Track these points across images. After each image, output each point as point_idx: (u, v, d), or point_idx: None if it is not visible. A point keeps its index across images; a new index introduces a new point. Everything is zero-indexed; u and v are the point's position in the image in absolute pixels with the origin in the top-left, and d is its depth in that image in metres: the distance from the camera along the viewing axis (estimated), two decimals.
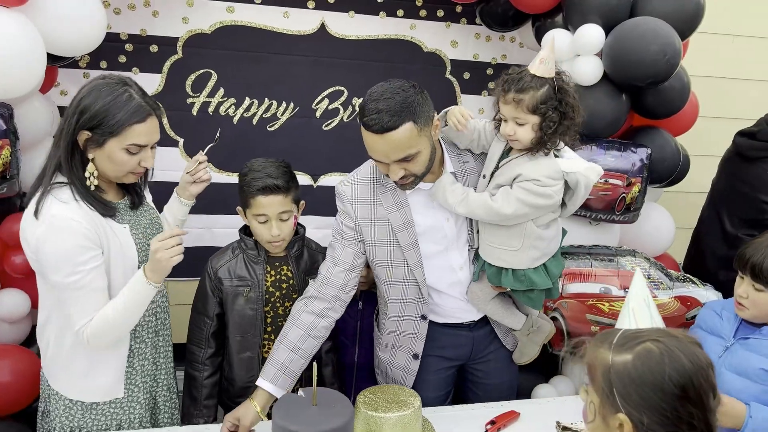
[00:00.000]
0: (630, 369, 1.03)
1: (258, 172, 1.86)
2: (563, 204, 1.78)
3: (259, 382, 1.76)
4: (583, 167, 1.71)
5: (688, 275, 2.35)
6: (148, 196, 1.89)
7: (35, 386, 2.19)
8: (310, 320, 1.80)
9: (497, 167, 1.76)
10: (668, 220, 2.70)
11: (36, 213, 1.55)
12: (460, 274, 1.89)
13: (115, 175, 1.63)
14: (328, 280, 1.84)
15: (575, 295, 2.25)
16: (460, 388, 2.14)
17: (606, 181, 2.29)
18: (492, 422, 1.86)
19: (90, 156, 1.58)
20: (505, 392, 2.07)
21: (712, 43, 3.01)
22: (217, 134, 1.99)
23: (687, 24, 2.25)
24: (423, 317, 1.92)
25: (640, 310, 1.32)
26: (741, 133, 2.51)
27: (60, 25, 1.97)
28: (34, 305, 2.31)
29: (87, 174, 1.59)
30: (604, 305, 2.22)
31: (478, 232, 1.84)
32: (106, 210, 1.63)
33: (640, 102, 2.37)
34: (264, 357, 1.96)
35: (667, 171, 2.45)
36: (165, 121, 2.75)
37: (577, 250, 2.33)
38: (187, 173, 1.97)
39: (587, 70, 2.24)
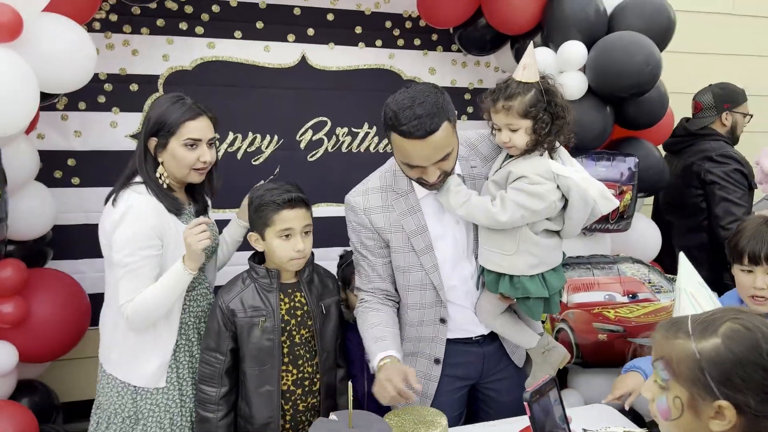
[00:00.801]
0: (723, 353, 0.99)
1: (277, 189, 1.84)
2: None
3: (382, 354, 1.73)
4: (576, 176, 1.72)
5: None
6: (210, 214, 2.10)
7: None
8: (378, 308, 1.86)
9: (499, 169, 1.78)
10: (653, 228, 2.79)
11: (114, 202, 1.83)
12: (470, 283, 1.88)
13: (180, 173, 1.87)
14: (375, 286, 1.88)
15: (580, 305, 2.27)
16: (471, 410, 2.09)
17: None
18: None
19: (160, 159, 1.86)
20: (520, 409, 2.04)
21: (681, 60, 3.19)
22: (277, 170, 2.17)
23: (660, 38, 2.37)
24: (442, 320, 1.89)
25: (698, 292, 1.32)
26: (670, 135, 2.95)
27: (51, 61, 1.92)
28: (23, 358, 2.20)
29: (158, 175, 1.86)
30: (609, 312, 2.24)
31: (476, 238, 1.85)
32: (173, 205, 1.87)
33: (623, 114, 2.46)
34: (283, 390, 1.89)
35: (654, 178, 2.54)
36: None
37: (575, 260, 2.36)
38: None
39: (572, 84, 2.32)
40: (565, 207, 1.76)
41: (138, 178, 1.87)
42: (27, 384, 2.36)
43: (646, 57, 2.21)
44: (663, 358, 1.07)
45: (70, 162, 2.63)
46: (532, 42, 1.85)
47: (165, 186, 1.87)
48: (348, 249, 2.36)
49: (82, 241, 2.67)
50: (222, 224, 2.59)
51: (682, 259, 1.39)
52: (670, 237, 2.92)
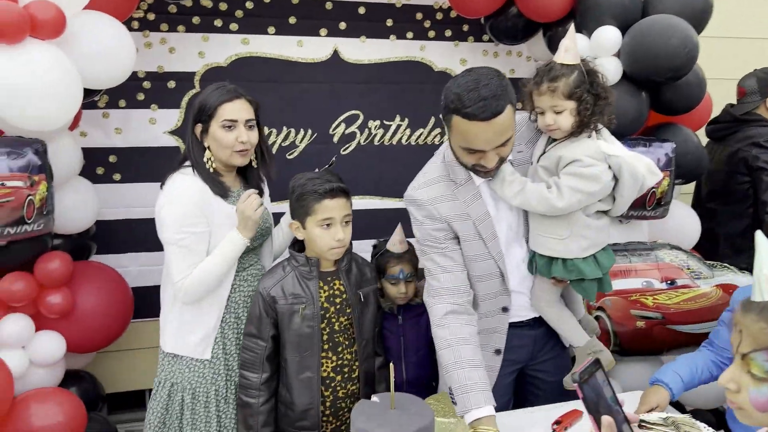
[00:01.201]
0: None
1: (318, 179, 1.86)
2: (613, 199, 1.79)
3: (476, 412, 1.63)
4: (626, 154, 1.72)
5: (725, 264, 2.37)
6: (267, 196, 2.19)
7: (77, 429, 2.14)
8: (468, 330, 1.74)
9: (543, 153, 1.78)
10: (692, 215, 2.74)
11: (162, 185, 1.96)
12: (522, 267, 1.87)
13: (223, 155, 1.94)
14: (448, 289, 1.78)
15: (618, 292, 2.25)
16: (520, 394, 2.09)
17: None
18: (557, 422, 1.82)
19: (206, 144, 1.95)
20: (567, 390, 2.03)
21: (719, 45, 3.13)
22: (333, 158, 2.16)
23: (697, 21, 2.33)
24: (504, 309, 1.88)
25: None
26: (709, 123, 2.90)
27: (94, 57, 1.98)
28: (70, 348, 2.26)
29: (205, 159, 1.95)
30: (647, 299, 2.22)
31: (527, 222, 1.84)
32: (217, 188, 1.95)
33: (659, 99, 2.43)
34: (323, 376, 1.92)
35: (692, 164, 2.50)
36: None
37: (612, 247, 2.32)
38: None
39: (607, 70, 2.29)
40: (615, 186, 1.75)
41: (187, 163, 1.97)
42: (74, 374, 2.43)
43: (683, 40, 2.17)
44: (756, 342, 1.02)
45: (112, 158, 2.70)
46: (572, 24, 1.82)
47: (211, 170, 1.95)
48: (381, 239, 2.38)
49: (124, 235, 2.75)
50: None
51: (759, 236, 1.32)
52: (713, 224, 2.88)
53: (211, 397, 2.00)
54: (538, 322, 1.95)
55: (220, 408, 2.01)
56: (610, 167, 1.70)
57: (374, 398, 1.53)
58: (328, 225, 1.87)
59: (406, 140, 3.02)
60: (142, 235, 2.72)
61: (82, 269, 2.35)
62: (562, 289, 1.90)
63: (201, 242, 1.91)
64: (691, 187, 2.98)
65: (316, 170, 2.02)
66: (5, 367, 1.98)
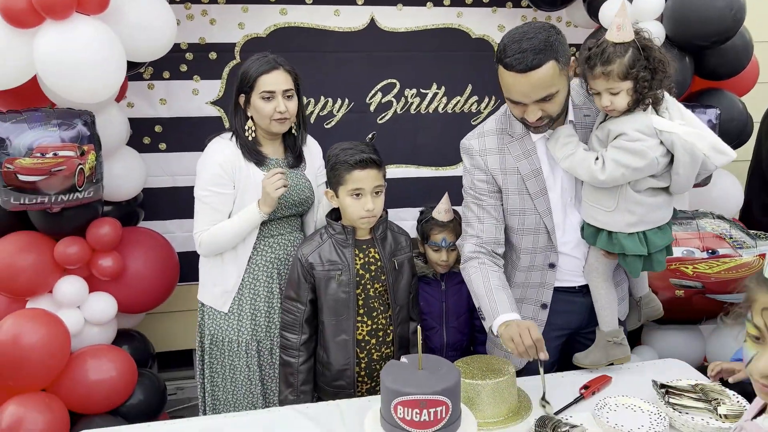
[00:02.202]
0: None
1: (351, 149, 1.90)
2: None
3: (504, 317, 1.74)
4: (682, 130, 1.66)
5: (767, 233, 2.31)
6: (316, 153, 2.26)
7: (129, 383, 2.27)
8: (494, 268, 1.85)
9: (602, 122, 1.77)
10: (735, 184, 2.67)
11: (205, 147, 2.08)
12: (578, 232, 1.88)
13: (264, 123, 2.04)
14: (480, 237, 1.87)
15: None
16: (567, 359, 2.11)
17: None
18: (585, 387, 1.85)
19: (249, 114, 2.05)
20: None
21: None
22: (373, 133, 2.08)
23: None
24: (551, 265, 1.91)
25: None
26: None
27: (136, 30, 2.05)
28: (121, 308, 2.39)
29: (246, 128, 2.05)
30: (687, 268, 2.19)
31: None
32: (254, 156, 2.06)
33: (702, 64, 2.36)
34: (358, 339, 1.99)
35: (736, 130, 2.43)
36: (227, 125, 2.83)
37: None
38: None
39: (649, 34, 2.23)
40: (672, 163, 1.71)
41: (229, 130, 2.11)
42: (125, 333, 2.57)
43: (729, 2, 2.10)
44: (747, 301, 0.99)
45: (157, 128, 2.80)
46: (624, 0, 1.75)
47: (251, 138, 2.06)
48: (429, 206, 2.41)
49: (169, 203, 2.86)
50: None
51: None
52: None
53: (234, 348, 2.14)
54: (589, 291, 1.95)
55: (263, 359, 2.16)
56: (662, 143, 1.67)
57: (403, 359, 1.59)
58: (358, 195, 1.91)
59: (443, 108, 3.02)
60: (186, 203, 2.76)
61: (130, 235, 2.47)
62: (615, 264, 1.89)
63: (224, 203, 2.04)
64: (747, 154, 2.86)
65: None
66: (62, 324, 2.13)
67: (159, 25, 2.13)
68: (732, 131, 2.42)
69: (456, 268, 2.31)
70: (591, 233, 1.81)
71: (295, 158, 2.18)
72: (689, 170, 1.68)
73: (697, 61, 2.36)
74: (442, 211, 2.28)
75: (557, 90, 1.65)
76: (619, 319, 1.96)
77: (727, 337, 2.34)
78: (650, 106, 1.68)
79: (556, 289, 1.95)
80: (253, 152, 2.06)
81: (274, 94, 2.00)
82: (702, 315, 2.24)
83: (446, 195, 2.30)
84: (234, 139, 2.07)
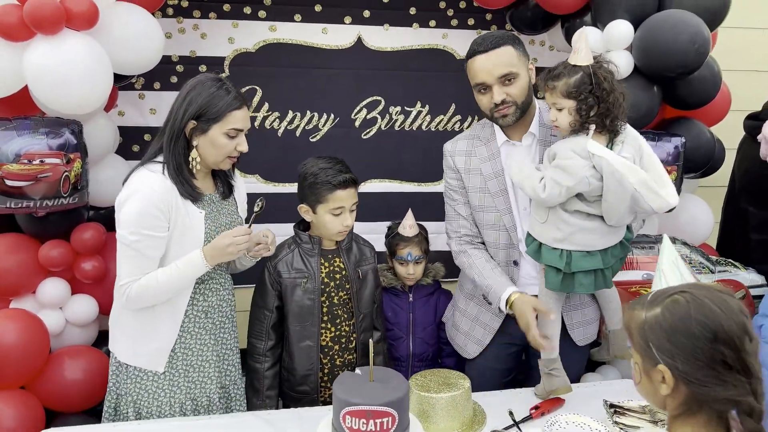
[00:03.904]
0: (660, 320, 1.09)
1: (331, 169, 1.98)
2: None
3: (508, 292, 1.95)
4: (614, 159, 1.75)
5: (729, 260, 2.38)
6: (241, 187, 2.10)
7: (105, 384, 2.35)
8: (484, 255, 2.06)
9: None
10: (706, 210, 2.74)
11: (126, 180, 1.84)
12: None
13: (214, 159, 1.86)
14: (459, 232, 2.08)
15: (618, 283, 2.28)
16: (524, 372, 2.20)
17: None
18: (536, 407, 1.91)
19: (195, 143, 1.83)
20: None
21: (744, 37, 3.06)
22: (260, 202, 1.97)
23: (714, 15, 2.32)
24: (515, 263, 2.04)
25: (670, 270, 1.39)
26: (748, 117, 2.72)
27: (124, 46, 2.15)
28: (102, 310, 2.47)
29: (191, 159, 1.84)
30: (647, 291, 2.25)
31: None
32: (186, 190, 1.83)
33: (672, 93, 2.44)
34: (321, 345, 2.06)
35: (703, 159, 2.50)
36: None
37: None
38: (249, 254, 2.03)
39: (618, 63, 2.26)
40: None
41: (159, 158, 1.84)
42: (107, 334, 2.63)
43: (692, 36, 2.18)
44: (626, 328, 1.16)
45: (146, 137, 2.89)
46: (584, 27, 1.93)
47: (194, 170, 1.85)
48: (395, 222, 2.50)
49: None
50: (277, 197, 2.80)
51: (665, 240, 1.45)
52: (746, 226, 2.73)
53: (166, 411, 1.92)
54: None
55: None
56: (595, 168, 1.76)
57: (358, 371, 1.66)
58: (339, 213, 1.99)
59: (426, 126, 3.11)
60: None
61: (114, 239, 2.54)
62: (563, 295, 1.98)
63: (156, 248, 1.80)
64: (710, 180, 2.94)
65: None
66: (42, 324, 2.21)
67: (146, 40, 2.22)
68: (699, 159, 2.49)
69: (423, 281, 2.39)
70: (528, 241, 1.93)
71: (225, 189, 2.00)
72: (618, 200, 1.76)
73: (667, 90, 2.44)
74: (406, 226, 2.36)
75: (517, 72, 1.88)
76: (597, 342, 2.05)
77: None
78: (600, 133, 1.79)
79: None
80: (189, 187, 1.83)
81: (240, 133, 1.86)
82: None
83: (410, 211, 2.39)
84: (166, 172, 1.82)
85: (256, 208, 1.95)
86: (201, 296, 1.94)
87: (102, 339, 2.58)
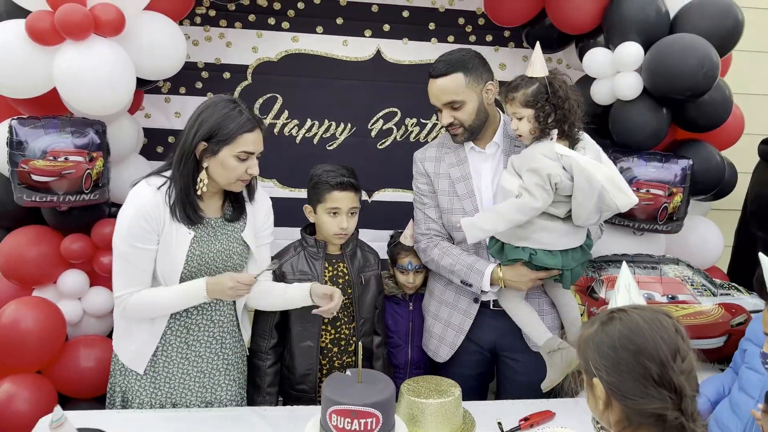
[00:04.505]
0: (595, 336, 1.15)
1: (333, 171, 2.10)
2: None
3: (488, 269, 2.06)
4: (581, 158, 1.87)
5: (733, 283, 2.37)
6: (261, 206, 2.02)
7: None
8: (448, 245, 2.19)
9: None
10: (716, 232, 2.73)
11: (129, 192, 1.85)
12: None
13: (225, 182, 1.83)
14: (428, 233, 2.21)
15: None
16: (499, 382, 2.26)
17: (648, 191, 2.37)
18: (525, 419, 1.94)
19: (204, 165, 1.80)
20: (538, 391, 2.12)
21: (759, 61, 3.05)
22: (273, 265, 2.01)
23: (726, 40, 2.33)
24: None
25: (620, 295, 1.43)
26: (763, 142, 2.76)
27: (148, 52, 2.26)
28: None
29: (198, 180, 1.81)
30: None
31: None
32: (186, 214, 1.81)
33: (682, 115, 2.45)
34: (321, 346, 2.14)
35: (712, 182, 2.50)
36: None
37: (620, 257, 2.39)
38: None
39: (627, 85, 2.35)
40: None
41: (166, 173, 1.84)
42: None
43: (700, 60, 2.19)
44: (576, 346, 1.22)
45: (170, 139, 3.01)
46: (537, 42, 2.02)
47: (200, 192, 1.82)
48: (397, 231, 2.57)
49: None
50: (293, 201, 2.88)
51: (623, 267, 1.51)
52: (755, 250, 2.74)
53: (146, 408, 1.95)
54: (505, 314, 2.12)
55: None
56: (565, 169, 1.87)
57: (348, 372, 1.73)
58: (335, 213, 2.08)
59: None
60: None
61: None
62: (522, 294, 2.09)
63: (147, 260, 1.81)
64: (724, 203, 2.93)
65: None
66: (59, 313, 2.33)
67: (169, 48, 2.33)
68: (708, 182, 2.50)
69: (423, 290, 2.44)
70: (491, 243, 2.04)
71: (234, 212, 1.95)
72: (587, 197, 1.86)
73: (677, 112, 2.45)
74: (407, 236, 2.41)
75: (463, 100, 2.01)
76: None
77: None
78: (561, 140, 1.91)
79: (483, 305, 2.15)
80: (191, 210, 1.81)
81: (251, 156, 1.82)
82: None
83: (411, 221, 2.45)
84: (166, 190, 1.80)
85: (269, 268, 1.98)
86: (184, 312, 1.92)
87: None
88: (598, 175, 1.84)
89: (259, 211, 2.01)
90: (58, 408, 1.48)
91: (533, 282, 2.01)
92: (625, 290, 1.44)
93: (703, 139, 2.57)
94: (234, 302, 2.03)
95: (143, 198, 1.79)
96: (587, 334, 1.18)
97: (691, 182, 2.42)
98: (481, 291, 2.06)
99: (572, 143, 1.93)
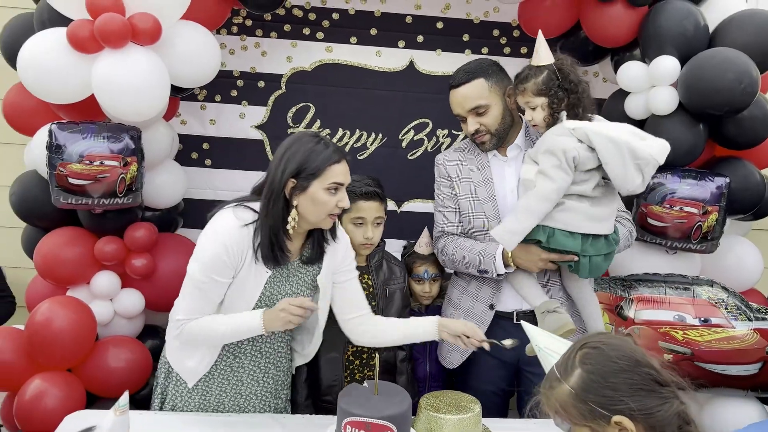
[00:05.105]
0: (587, 377, 1.09)
1: (359, 181, 2.09)
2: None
3: (498, 249, 2.06)
4: (595, 125, 1.89)
5: None
6: (341, 248, 1.96)
7: (144, 374, 2.50)
8: (461, 238, 2.21)
9: None
10: (755, 253, 2.64)
11: (212, 215, 1.84)
12: None
13: (315, 218, 1.79)
14: (446, 231, 2.23)
15: (647, 322, 2.25)
16: (519, 398, 2.22)
17: (681, 209, 2.30)
18: None
19: (294, 203, 1.76)
20: None
21: None
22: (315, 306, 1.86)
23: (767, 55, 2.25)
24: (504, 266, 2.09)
25: (551, 344, 1.38)
26: None
27: (183, 60, 2.31)
28: (148, 305, 2.64)
29: (290, 219, 1.77)
30: (677, 333, 2.20)
31: None
32: (273, 255, 1.78)
33: (720, 132, 2.38)
34: (345, 357, 2.14)
35: (750, 201, 2.42)
36: (267, 148, 3.07)
37: (651, 277, 2.33)
38: None
39: (662, 99, 2.29)
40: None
41: (254, 204, 1.81)
42: (152, 328, 2.81)
43: (738, 75, 2.13)
44: (557, 412, 1.14)
45: (205, 146, 3.07)
46: (540, 30, 2.02)
47: (290, 230, 1.78)
48: (411, 241, 2.56)
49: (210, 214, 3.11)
50: None
51: (525, 324, 1.48)
52: None
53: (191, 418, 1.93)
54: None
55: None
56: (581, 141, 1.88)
57: (365, 383, 1.72)
58: (360, 223, 2.07)
59: None
60: None
61: (166, 239, 2.72)
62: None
63: (219, 294, 1.80)
64: (764, 223, 2.83)
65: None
66: (90, 313, 2.39)
67: (204, 57, 2.38)
68: (746, 201, 2.41)
69: (439, 302, 2.42)
70: None
71: (312, 254, 1.91)
72: (617, 158, 1.84)
73: (715, 129, 2.38)
74: (423, 244, 2.40)
75: (488, 104, 2.03)
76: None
77: (718, 408, 2.32)
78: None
79: (499, 315, 2.14)
80: (279, 251, 1.78)
81: (341, 187, 1.79)
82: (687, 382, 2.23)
83: (426, 229, 2.44)
84: (254, 229, 1.78)
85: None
86: (250, 343, 1.93)
87: (147, 332, 2.75)
88: (617, 132, 1.85)
89: (339, 249, 1.96)
90: (125, 395, 1.52)
91: (544, 263, 1.98)
92: (550, 338, 1.42)
93: (742, 157, 2.48)
94: (289, 337, 2.02)
95: (229, 233, 1.75)
96: (575, 384, 1.10)
97: (729, 201, 2.34)
98: (498, 275, 2.06)
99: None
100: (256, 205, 1.80)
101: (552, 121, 1.95)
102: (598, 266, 1.96)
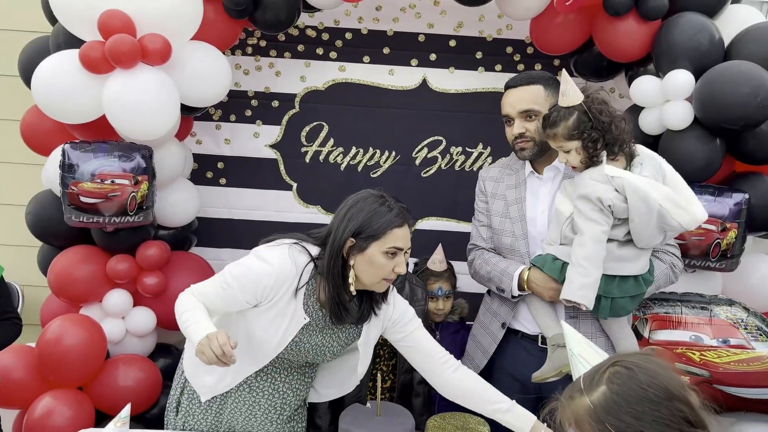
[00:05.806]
0: (611, 396, 1.02)
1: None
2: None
3: (521, 268, 2.04)
4: (633, 177, 1.81)
5: None
6: (388, 315, 1.90)
7: (154, 394, 2.50)
8: (489, 254, 2.19)
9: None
10: None
11: (272, 243, 1.81)
12: None
13: (370, 280, 1.75)
14: (479, 246, 2.23)
15: (663, 343, 2.17)
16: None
17: (699, 226, 2.23)
18: None
19: (351, 262, 1.72)
20: None
21: None
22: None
23: None
24: (521, 289, 2.06)
25: (585, 351, 1.30)
26: None
27: (193, 81, 2.34)
28: (160, 323, 2.65)
29: (351, 281, 1.73)
30: (694, 354, 2.12)
31: None
32: (340, 317, 1.76)
33: (738, 146, 2.31)
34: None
35: None
36: (281, 167, 3.09)
37: (668, 296, 2.26)
38: None
39: (677, 114, 2.24)
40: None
41: (312, 250, 1.79)
42: (164, 347, 2.82)
43: (754, 88, 2.06)
44: (571, 424, 1.07)
45: (220, 165, 3.10)
46: (564, 69, 1.98)
47: (353, 291, 1.75)
48: (423, 257, 2.53)
49: (224, 232, 3.13)
50: None
51: (564, 325, 1.40)
52: None
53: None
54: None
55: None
56: (617, 191, 1.83)
57: (368, 404, 1.69)
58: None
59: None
60: (240, 234, 3.11)
61: (179, 258, 2.74)
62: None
63: (229, 301, 1.78)
64: None
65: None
66: (101, 331, 2.40)
67: (215, 77, 2.41)
68: (766, 218, 2.33)
69: (449, 318, 2.38)
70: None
71: (358, 314, 1.83)
72: (644, 218, 1.79)
73: (732, 143, 2.31)
74: (436, 261, 2.37)
75: (539, 111, 2.01)
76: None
77: None
78: (615, 159, 1.87)
79: (520, 336, 2.11)
80: (343, 311, 1.75)
81: (400, 252, 1.73)
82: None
83: (440, 246, 2.41)
84: (308, 279, 1.77)
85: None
86: (254, 374, 1.90)
87: (159, 350, 2.76)
88: (655, 193, 1.77)
89: (394, 311, 1.91)
90: (127, 407, 1.53)
91: (555, 292, 1.94)
92: (586, 346, 1.34)
93: (762, 172, 2.41)
94: (309, 381, 1.98)
95: (283, 268, 1.74)
96: (596, 401, 1.03)
97: (749, 217, 2.27)
98: (512, 296, 2.03)
99: (628, 159, 1.89)
100: (312, 249, 1.79)
101: (590, 161, 1.85)
102: (622, 307, 1.91)
